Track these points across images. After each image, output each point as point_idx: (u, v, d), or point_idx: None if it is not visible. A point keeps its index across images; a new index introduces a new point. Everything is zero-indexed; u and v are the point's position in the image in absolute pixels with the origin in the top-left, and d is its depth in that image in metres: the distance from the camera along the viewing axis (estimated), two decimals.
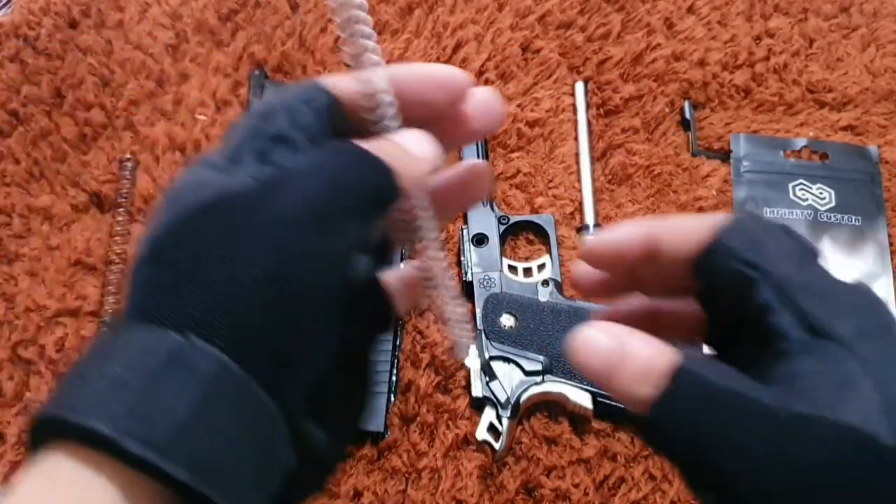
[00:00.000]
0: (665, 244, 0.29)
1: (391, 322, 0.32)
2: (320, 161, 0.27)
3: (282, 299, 0.24)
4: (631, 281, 0.32)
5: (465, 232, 0.62)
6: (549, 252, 0.62)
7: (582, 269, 0.32)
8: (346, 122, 0.30)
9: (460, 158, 0.66)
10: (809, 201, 0.65)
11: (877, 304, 0.27)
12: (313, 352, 0.26)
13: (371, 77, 0.29)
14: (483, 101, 0.32)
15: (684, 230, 0.29)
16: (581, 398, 0.54)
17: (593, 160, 0.67)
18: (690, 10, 0.73)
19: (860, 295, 0.27)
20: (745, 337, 0.27)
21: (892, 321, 0.27)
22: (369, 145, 0.28)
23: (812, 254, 0.28)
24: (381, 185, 0.27)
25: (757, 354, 0.27)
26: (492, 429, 0.55)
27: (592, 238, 0.30)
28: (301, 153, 0.28)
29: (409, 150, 0.29)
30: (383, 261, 0.32)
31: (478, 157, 0.65)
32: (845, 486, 0.24)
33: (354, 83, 0.29)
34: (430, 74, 0.31)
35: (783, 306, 0.26)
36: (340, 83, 0.30)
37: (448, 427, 0.56)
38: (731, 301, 0.27)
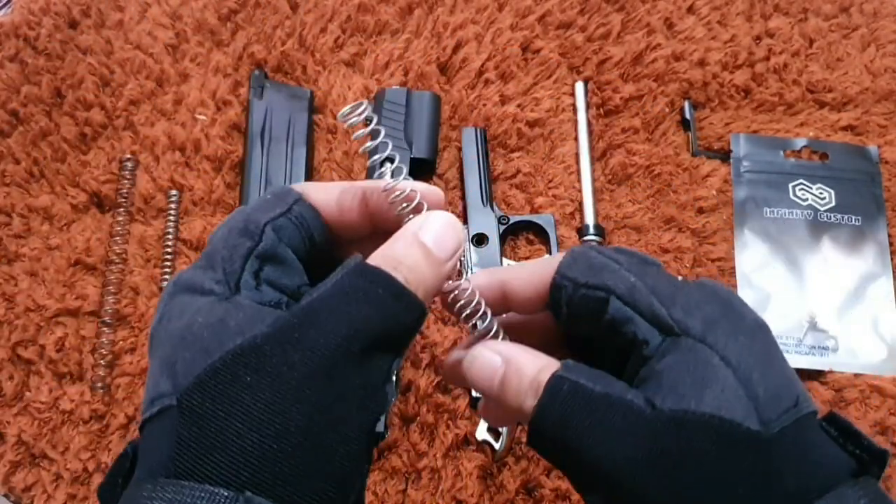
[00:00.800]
0: (515, 290, 0.31)
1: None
2: (346, 296, 0.26)
3: (320, 447, 0.25)
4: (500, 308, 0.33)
5: (464, 232, 0.62)
6: (549, 252, 0.62)
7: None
8: (323, 230, 0.31)
9: (460, 153, 0.66)
10: (809, 201, 0.65)
11: (720, 293, 0.29)
12: (354, 482, 0.26)
13: (397, 182, 0.30)
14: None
15: (528, 274, 0.31)
16: None
17: (593, 160, 0.67)
18: (690, 10, 0.73)
19: (704, 289, 0.28)
20: (609, 350, 0.29)
21: (735, 305, 0.28)
22: (390, 262, 0.27)
23: (653, 263, 0.30)
24: (410, 321, 0.28)
25: (622, 363, 0.28)
26: (492, 429, 0.55)
27: (447, 287, 0.31)
28: (295, 273, 0.29)
29: (434, 255, 0.28)
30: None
31: (478, 157, 0.65)
32: (715, 474, 0.25)
33: (377, 184, 0.30)
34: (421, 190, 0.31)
35: (635, 315, 0.28)
36: (314, 192, 0.31)
37: (448, 427, 0.56)
38: (588, 322, 0.29)
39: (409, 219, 0.30)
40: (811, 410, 0.26)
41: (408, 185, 0.30)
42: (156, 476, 0.24)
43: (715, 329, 0.27)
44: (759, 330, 0.28)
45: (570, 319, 0.30)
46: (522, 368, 0.28)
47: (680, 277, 0.29)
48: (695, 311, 0.28)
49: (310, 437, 0.25)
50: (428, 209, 0.30)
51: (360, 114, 0.29)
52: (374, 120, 0.30)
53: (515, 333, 0.32)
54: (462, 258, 0.30)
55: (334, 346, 0.25)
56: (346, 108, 0.29)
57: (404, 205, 0.30)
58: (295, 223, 0.30)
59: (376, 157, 0.30)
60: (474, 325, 0.31)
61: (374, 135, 0.30)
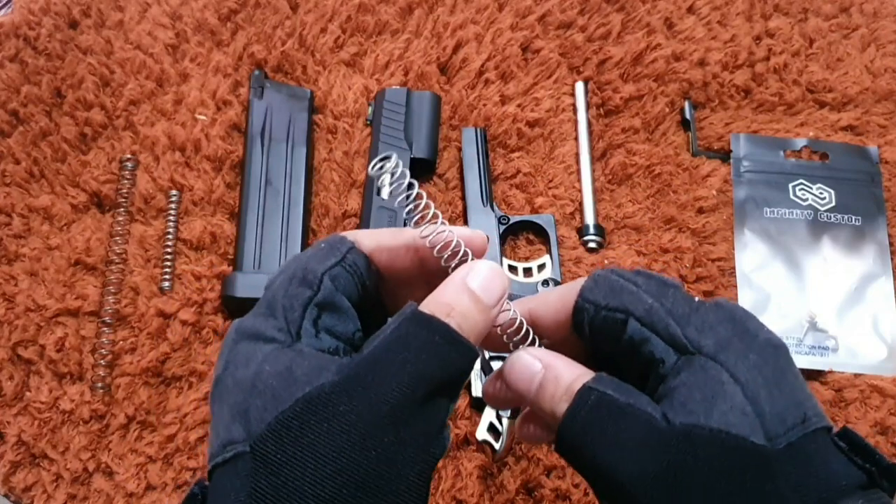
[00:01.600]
0: (541, 316, 0.33)
1: None
2: (406, 343, 0.28)
3: (387, 494, 0.26)
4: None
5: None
6: (549, 252, 0.62)
7: None
8: (374, 277, 0.33)
9: (460, 154, 0.66)
10: (809, 201, 0.65)
11: (735, 314, 0.30)
12: None
13: (442, 230, 0.31)
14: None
15: (553, 300, 0.33)
16: None
17: (593, 160, 0.67)
18: (690, 10, 0.73)
19: (719, 310, 0.30)
20: (631, 369, 0.31)
21: (749, 326, 0.29)
22: (442, 308, 0.29)
23: (672, 285, 0.31)
24: (465, 365, 0.29)
25: (644, 381, 0.30)
26: (492, 429, 0.55)
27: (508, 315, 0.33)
28: (350, 321, 0.30)
29: (483, 301, 0.30)
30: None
31: (478, 157, 0.65)
32: (720, 486, 0.26)
33: (417, 237, 0.32)
34: (464, 235, 0.33)
35: (652, 335, 0.30)
36: (365, 240, 0.32)
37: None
38: (609, 342, 0.31)
39: (453, 265, 0.31)
40: (822, 426, 0.27)
41: (451, 234, 0.31)
42: None
43: (727, 348, 0.28)
44: (773, 349, 0.29)
45: (592, 340, 0.32)
46: (560, 375, 0.30)
47: (697, 299, 0.31)
48: (708, 331, 0.29)
49: (379, 484, 0.26)
50: (472, 255, 0.31)
51: (392, 171, 0.31)
52: (407, 174, 0.31)
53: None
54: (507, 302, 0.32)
55: (398, 393, 0.27)
56: (375, 163, 0.30)
57: (448, 253, 0.31)
58: (349, 271, 0.31)
59: (415, 212, 0.32)
60: (516, 345, 0.33)
61: (407, 186, 0.31)
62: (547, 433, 0.35)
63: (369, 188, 0.64)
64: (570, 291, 0.32)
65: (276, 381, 0.27)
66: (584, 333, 0.32)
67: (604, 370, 0.31)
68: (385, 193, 0.31)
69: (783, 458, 0.26)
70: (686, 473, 0.26)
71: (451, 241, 0.31)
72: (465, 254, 0.31)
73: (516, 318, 0.32)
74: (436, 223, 0.31)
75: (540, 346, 0.33)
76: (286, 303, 0.29)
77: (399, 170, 0.31)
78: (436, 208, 0.32)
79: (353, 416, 0.26)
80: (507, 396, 0.34)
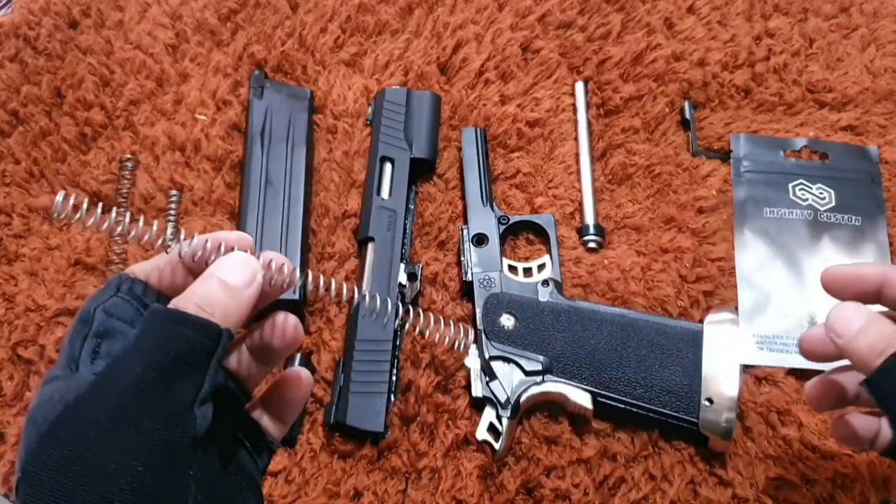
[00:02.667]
0: (894, 284, 0.38)
1: (266, 443, 0.37)
2: (140, 338, 0.30)
3: (126, 482, 0.27)
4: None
5: (465, 232, 0.62)
6: (549, 252, 0.62)
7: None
8: (156, 297, 0.35)
9: (461, 164, 0.66)
10: (809, 201, 0.65)
11: None
12: (176, 498, 0.29)
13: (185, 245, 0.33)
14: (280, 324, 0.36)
15: None
16: (581, 398, 0.54)
17: (593, 160, 0.67)
18: (690, 10, 0.73)
19: None
20: None
21: None
22: (184, 298, 0.31)
23: None
24: (200, 340, 0.31)
25: None
26: (492, 429, 0.55)
27: (834, 268, 0.41)
28: (126, 337, 0.32)
29: (229, 284, 0.32)
30: (236, 398, 0.36)
31: (478, 157, 0.65)
32: None
33: (171, 257, 0.34)
34: (221, 238, 0.35)
35: None
36: (139, 271, 0.35)
37: (448, 427, 0.56)
38: None
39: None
40: None
41: (200, 242, 0.33)
42: None
43: None
44: None
45: None
46: (885, 330, 0.37)
47: None
48: None
49: (121, 474, 0.27)
50: (226, 248, 0.34)
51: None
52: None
53: None
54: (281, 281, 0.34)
55: (130, 381, 0.29)
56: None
57: (210, 258, 0.33)
58: (125, 299, 0.34)
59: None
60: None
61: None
62: (837, 402, 0.43)
63: (369, 188, 0.64)
64: None
65: (39, 411, 0.29)
66: None
67: None
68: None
69: None
70: None
71: (201, 246, 0.33)
72: (218, 247, 0.33)
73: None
74: (184, 236, 0.34)
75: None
76: (66, 343, 0.33)
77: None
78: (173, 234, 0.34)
79: (91, 415, 0.28)
80: (828, 348, 0.40)
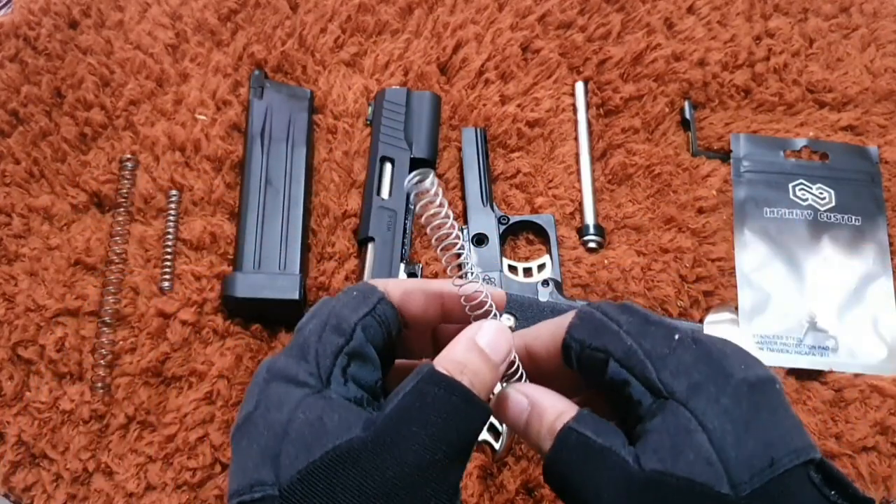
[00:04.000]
0: (537, 350, 0.34)
1: None
2: (424, 404, 0.29)
3: None
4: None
5: (465, 232, 0.62)
6: (549, 252, 0.62)
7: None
8: (399, 327, 0.34)
9: (460, 154, 0.66)
10: (809, 201, 0.65)
11: (713, 353, 0.30)
12: None
13: (474, 286, 0.32)
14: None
15: (545, 334, 0.34)
16: None
17: (593, 160, 0.67)
18: (690, 10, 0.73)
19: (698, 349, 0.30)
20: (615, 404, 0.32)
21: (726, 366, 0.30)
22: (455, 367, 0.30)
23: (655, 322, 0.32)
24: (479, 425, 0.30)
25: (624, 419, 0.31)
26: (492, 429, 0.55)
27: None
28: (375, 370, 0.31)
29: (491, 359, 0.31)
30: None
31: (478, 157, 0.65)
32: None
33: (453, 287, 0.33)
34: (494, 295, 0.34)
35: (631, 377, 0.30)
36: (394, 291, 0.33)
37: None
38: (595, 379, 0.32)
39: (474, 316, 0.33)
40: (797, 464, 0.28)
41: (480, 287, 0.32)
42: None
43: (698, 393, 0.29)
44: (748, 389, 0.29)
45: (584, 377, 0.33)
46: (543, 413, 0.32)
47: (678, 336, 0.31)
48: (682, 375, 0.29)
49: None
50: (495, 310, 0.33)
51: (429, 185, 0.31)
52: (441, 192, 0.32)
53: (546, 379, 0.34)
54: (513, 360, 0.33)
55: (420, 454, 0.28)
56: (413, 177, 0.31)
57: (474, 304, 0.32)
58: (378, 321, 0.32)
59: (440, 231, 0.32)
60: (507, 377, 0.34)
61: (438, 204, 0.32)
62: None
63: (369, 188, 0.64)
64: (559, 327, 0.33)
65: (308, 431, 0.28)
66: (572, 368, 0.33)
67: (598, 399, 0.32)
68: (419, 210, 0.32)
69: None
70: None
71: (480, 294, 0.32)
72: (489, 311, 0.33)
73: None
74: (465, 266, 0.32)
75: (523, 375, 0.34)
76: (319, 349, 0.30)
77: (438, 190, 0.31)
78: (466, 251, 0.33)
79: (377, 474, 0.27)
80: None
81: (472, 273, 0.32)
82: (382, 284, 0.34)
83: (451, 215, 0.32)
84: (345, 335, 0.31)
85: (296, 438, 0.28)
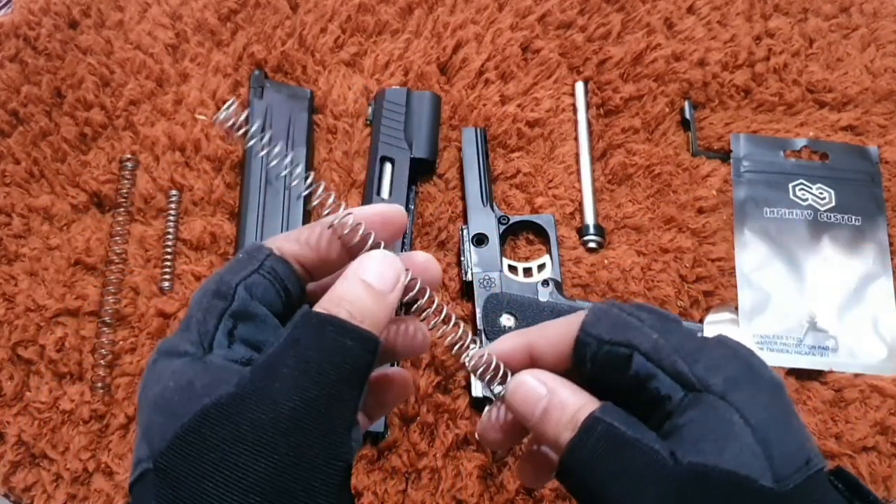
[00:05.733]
0: (541, 350, 0.32)
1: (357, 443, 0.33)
2: (298, 344, 0.28)
3: (291, 502, 0.26)
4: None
5: (465, 232, 0.62)
6: (549, 252, 0.62)
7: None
8: (297, 280, 0.32)
9: (460, 155, 0.66)
10: (809, 201, 0.65)
11: (740, 352, 0.30)
12: None
13: (344, 217, 0.31)
14: (422, 262, 0.34)
15: (552, 333, 0.32)
16: None
17: (593, 160, 0.67)
18: (690, 10, 0.73)
19: (724, 347, 0.30)
20: (633, 404, 0.30)
21: (755, 364, 0.29)
22: (333, 302, 0.29)
23: (673, 320, 0.31)
24: (363, 353, 0.29)
25: (646, 418, 0.29)
26: None
27: (477, 353, 0.33)
28: (269, 328, 0.30)
29: (375, 288, 0.30)
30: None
31: (478, 157, 0.65)
32: None
33: (324, 227, 0.32)
34: (378, 212, 0.33)
35: (658, 371, 0.29)
36: (285, 244, 0.32)
37: (448, 427, 0.56)
38: (612, 378, 0.31)
39: (364, 251, 0.31)
40: (821, 467, 0.28)
41: (351, 217, 0.31)
42: None
43: (736, 388, 0.28)
44: (777, 389, 0.29)
45: (593, 376, 0.31)
46: (565, 401, 0.30)
47: (700, 335, 0.31)
48: (717, 369, 0.29)
49: (280, 493, 0.26)
50: (374, 237, 0.32)
51: (235, 116, 0.30)
52: (254, 122, 0.31)
53: None
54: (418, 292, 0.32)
55: (295, 397, 0.26)
56: (221, 113, 0.30)
57: (359, 241, 0.31)
58: (268, 278, 0.31)
59: (261, 150, 0.31)
60: (490, 382, 0.33)
61: (253, 135, 0.31)
62: (546, 474, 0.35)
63: (369, 188, 0.64)
64: (570, 325, 0.32)
65: (176, 396, 0.27)
66: (584, 368, 0.31)
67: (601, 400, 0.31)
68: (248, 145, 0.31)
69: (791, 499, 0.26)
70: None
71: (354, 225, 0.31)
72: (367, 235, 0.32)
73: (491, 359, 0.32)
74: (329, 198, 0.31)
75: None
76: (199, 316, 0.29)
77: (246, 119, 0.30)
78: (316, 181, 0.32)
79: (248, 425, 0.26)
80: (503, 433, 0.34)
81: (340, 207, 0.31)
82: (272, 241, 0.32)
83: (289, 156, 0.31)
84: (225, 297, 0.29)
85: (164, 406, 0.27)
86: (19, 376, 0.59)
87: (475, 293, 0.59)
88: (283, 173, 0.31)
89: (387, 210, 0.33)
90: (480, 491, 0.54)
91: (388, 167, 0.64)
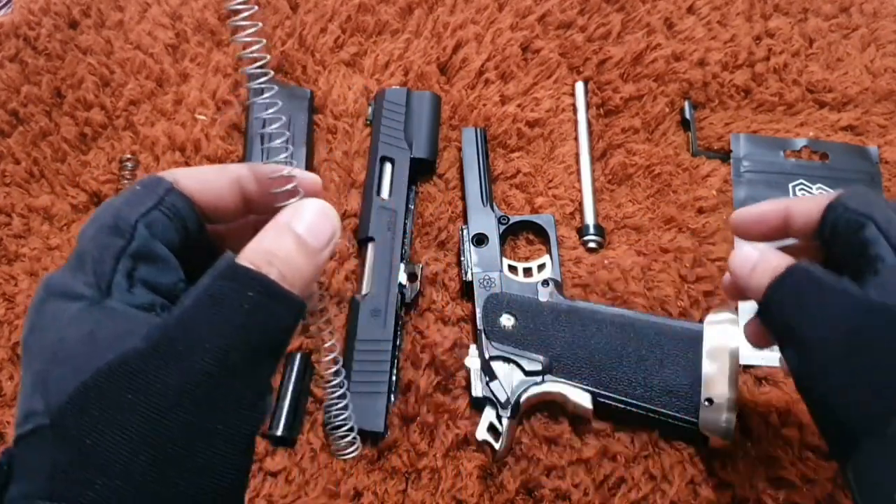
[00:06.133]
0: (795, 214, 0.39)
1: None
2: (220, 300, 0.25)
3: (198, 466, 0.24)
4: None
5: (465, 232, 0.62)
6: (549, 252, 0.62)
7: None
8: (197, 220, 0.30)
9: (460, 154, 0.66)
10: None
11: None
12: (237, 494, 0.26)
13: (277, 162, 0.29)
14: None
15: (808, 201, 0.39)
16: (581, 398, 0.54)
17: (593, 160, 0.67)
18: (690, 10, 0.73)
19: None
20: (852, 264, 0.36)
21: None
22: (263, 257, 0.26)
23: None
24: (288, 320, 0.27)
25: (859, 275, 0.34)
26: (492, 429, 0.55)
27: (740, 211, 0.42)
28: (171, 270, 0.28)
29: (309, 245, 0.28)
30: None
31: (478, 157, 0.65)
32: None
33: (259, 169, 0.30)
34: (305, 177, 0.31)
35: (882, 240, 0.34)
36: (185, 179, 0.29)
37: (448, 427, 0.56)
38: (845, 239, 0.36)
39: (282, 203, 0.28)
40: None
41: (286, 168, 0.29)
42: (32, 499, 0.23)
43: None
44: None
45: (827, 238, 0.37)
46: (772, 259, 0.37)
47: None
48: None
49: (188, 456, 0.24)
50: (303, 194, 0.29)
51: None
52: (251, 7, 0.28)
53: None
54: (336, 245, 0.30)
55: (210, 361, 0.25)
56: None
57: (281, 190, 0.28)
58: (168, 215, 0.28)
59: (247, 48, 0.29)
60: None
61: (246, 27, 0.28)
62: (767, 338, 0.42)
63: (369, 188, 0.64)
64: (825, 197, 0.38)
65: (78, 348, 0.25)
66: (824, 230, 0.37)
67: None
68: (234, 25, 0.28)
69: None
70: (877, 343, 0.31)
71: (284, 172, 0.29)
72: (296, 191, 0.29)
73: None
74: (281, 155, 0.29)
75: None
76: (96, 254, 0.26)
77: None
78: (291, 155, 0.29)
79: (158, 384, 0.24)
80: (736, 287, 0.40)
81: (286, 150, 0.29)
82: (171, 174, 0.30)
83: (272, 74, 0.29)
84: (124, 235, 0.27)
85: (64, 359, 0.25)
86: (19, 376, 0.59)
87: (475, 293, 0.59)
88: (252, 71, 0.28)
89: (304, 175, 0.31)
90: (480, 491, 0.54)
91: (388, 167, 0.64)
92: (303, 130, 0.66)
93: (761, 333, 0.42)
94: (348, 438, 0.32)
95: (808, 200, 0.39)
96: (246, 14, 0.28)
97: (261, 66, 0.28)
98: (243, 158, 0.65)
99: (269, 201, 0.30)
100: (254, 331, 0.26)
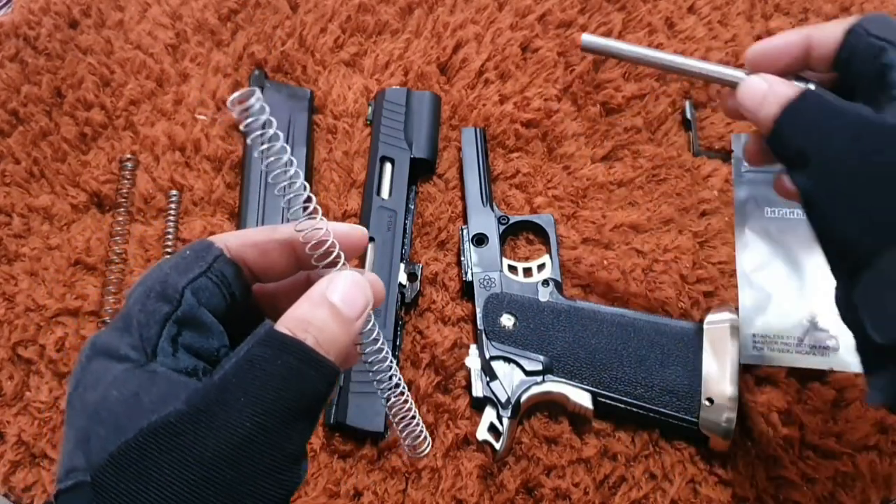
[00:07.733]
0: (816, 42, 0.39)
1: None
2: (257, 366, 0.26)
3: None
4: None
5: (465, 232, 0.62)
6: (549, 252, 0.62)
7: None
8: (244, 286, 0.31)
9: (460, 157, 0.66)
10: None
11: None
12: None
13: (318, 226, 0.29)
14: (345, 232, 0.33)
15: (829, 25, 0.39)
16: (581, 398, 0.54)
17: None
18: (691, 9, 0.73)
19: None
20: (868, 90, 0.36)
21: None
22: (299, 326, 0.27)
23: None
24: (323, 386, 0.28)
25: (875, 101, 0.35)
26: (492, 429, 0.55)
27: (760, 43, 0.41)
28: (214, 336, 0.29)
29: (343, 315, 0.29)
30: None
31: (478, 157, 0.65)
32: None
33: (294, 232, 0.30)
34: (344, 234, 0.31)
35: None
36: (235, 244, 0.30)
37: (448, 427, 0.56)
38: (863, 64, 0.37)
39: (321, 266, 0.29)
40: None
41: (326, 232, 0.29)
42: None
43: None
44: None
45: (846, 64, 0.38)
46: (781, 89, 0.38)
47: None
48: None
49: None
50: (343, 259, 0.30)
51: (252, 106, 0.28)
52: (266, 111, 0.28)
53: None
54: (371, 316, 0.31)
55: (248, 424, 0.25)
56: (236, 95, 0.28)
57: (320, 252, 0.29)
58: (215, 282, 0.29)
59: (270, 156, 0.30)
60: (326, 265, 0.31)
61: (265, 125, 0.29)
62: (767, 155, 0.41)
63: (369, 188, 0.64)
64: (844, 21, 0.38)
65: (121, 408, 0.26)
66: (843, 54, 0.38)
67: None
68: (247, 131, 0.28)
69: None
70: (880, 165, 0.32)
71: (326, 240, 0.29)
72: (337, 257, 0.30)
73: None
74: (308, 206, 0.29)
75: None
76: (142, 318, 0.27)
77: (261, 108, 0.28)
78: (303, 183, 0.29)
79: (197, 449, 0.25)
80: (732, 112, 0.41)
81: (318, 215, 0.29)
82: (221, 240, 0.31)
83: (288, 150, 0.29)
84: (171, 301, 0.28)
85: (106, 418, 0.26)
86: (19, 376, 0.59)
87: (475, 293, 0.59)
88: (277, 173, 0.30)
89: (351, 232, 0.32)
90: (480, 491, 0.54)
91: (388, 167, 0.64)
92: (303, 130, 0.66)
93: (760, 153, 0.43)
94: (422, 437, 0.33)
95: (827, 26, 0.39)
96: (260, 128, 0.28)
97: (295, 183, 0.29)
98: (243, 158, 0.65)
99: (313, 265, 0.31)
100: (290, 396, 0.26)
